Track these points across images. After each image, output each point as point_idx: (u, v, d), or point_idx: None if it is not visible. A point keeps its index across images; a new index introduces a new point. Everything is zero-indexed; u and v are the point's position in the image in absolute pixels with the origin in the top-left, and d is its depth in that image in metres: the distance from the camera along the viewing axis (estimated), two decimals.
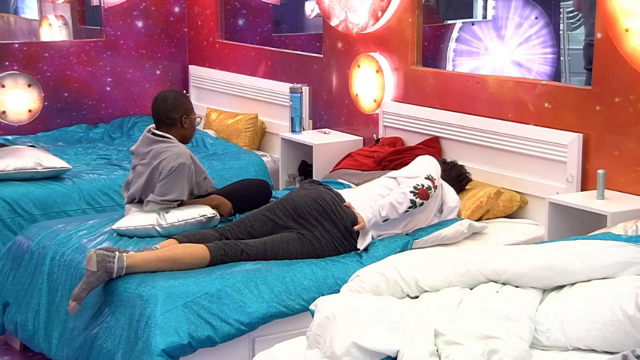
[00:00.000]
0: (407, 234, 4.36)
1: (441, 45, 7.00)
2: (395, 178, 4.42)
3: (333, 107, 6.09)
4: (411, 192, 4.22)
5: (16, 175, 5.58)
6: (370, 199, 4.34)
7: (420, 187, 4.24)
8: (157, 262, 3.97)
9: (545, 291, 3.22)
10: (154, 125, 4.70)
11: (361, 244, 4.24)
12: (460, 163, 4.87)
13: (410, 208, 4.23)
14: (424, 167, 4.37)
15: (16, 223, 5.37)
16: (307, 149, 5.80)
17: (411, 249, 4.23)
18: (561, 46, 7.06)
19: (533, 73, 6.71)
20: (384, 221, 4.26)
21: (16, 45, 6.96)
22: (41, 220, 5.17)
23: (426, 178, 4.28)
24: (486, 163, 4.96)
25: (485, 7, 7.09)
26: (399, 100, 5.56)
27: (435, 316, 3.07)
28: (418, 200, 4.22)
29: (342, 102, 5.99)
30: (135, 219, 4.49)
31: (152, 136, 4.64)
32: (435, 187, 4.31)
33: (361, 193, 4.46)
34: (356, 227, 4.23)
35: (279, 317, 3.88)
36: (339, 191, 4.47)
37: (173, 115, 4.65)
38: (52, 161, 5.70)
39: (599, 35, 4.31)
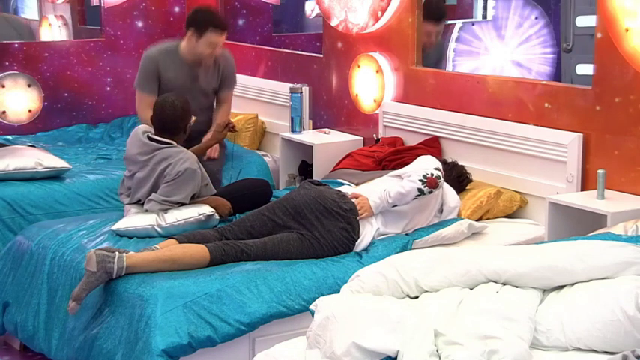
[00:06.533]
0: (407, 234, 4.37)
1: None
2: (399, 176, 4.42)
3: (333, 107, 6.09)
4: (420, 180, 4.23)
5: (16, 175, 5.58)
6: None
7: (430, 176, 4.25)
8: (157, 262, 3.98)
9: (545, 291, 3.22)
10: (150, 130, 4.70)
11: (358, 246, 4.25)
12: (460, 163, 4.88)
13: (418, 196, 4.24)
14: (430, 162, 4.38)
15: (17, 223, 5.36)
16: (307, 149, 5.80)
17: (411, 249, 4.23)
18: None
19: (533, 73, 6.70)
20: (392, 207, 4.29)
21: (16, 45, 6.97)
22: (41, 220, 5.17)
23: (435, 169, 4.29)
24: (486, 163, 4.96)
25: (485, 7, 7.08)
26: (399, 100, 5.56)
27: (435, 316, 3.07)
28: (427, 189, 4.23)
29: (342, 102, 5.99)
30: (134, 219, 4.50)
31: (153, 142, 4.63)
32: (443, 177, 4.32)
33: (362, 192, 4.46)
34: (362, 217, 4.24)
35: (279, 317, 3.88)
36: (339, 188, 4.49)
37: (180, 125, 4.69)
38: (52, 161, 5.70)
39: (599, 35, 4.31)
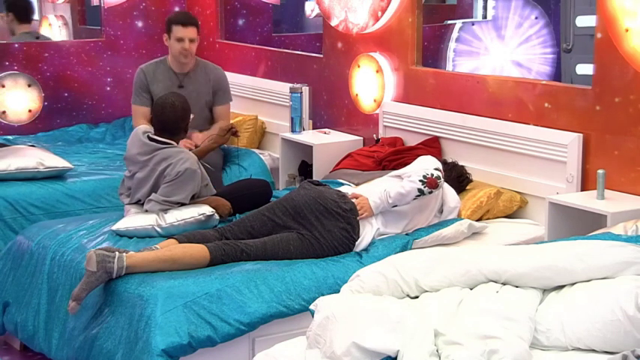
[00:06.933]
0: (407, 234, 4.37)
1: (441, 45, 7.00)
2: (399, 176, 4.42)
3: (333, 107, 6.09)
4: (420, 181, 4.23)
5: (18, 175, 5.58)
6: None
7: (430, 176, 4.24)
8: (157, 262, 3.98)
9: (545, 291, 3.22)
10: (150, 130, 4.70)
11: (358, 246, 4.25)
12: (460, 163, 4.88)
13: (418, 196, 4.24)
14: (430, 163, 4.38)
15: (18, 223, 5.37)
16: (307, 149, 5.80)
17: (411, 249, 4.23)
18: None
19: (533, 73, 6.71)
20: (392, 207, 4.29)
21: (16, 45, 6.97)
22: (43, 220, 5.18)
23: (435, 169, 4.29)
24: (486, 163, 4.96)
25: (485, 7, 7.09)
26: (399, 100, 5.56)
27: (435, 316, 3.07)
28: (427, 189, 4.23)
29: (342, 102, 5.99)
30: (134, 220, 4.50)
31: (153, 142, 4.64)
32: (443, 178, 4.32)
33: (362, 192, 4.46)
34: (362, 217, 4.25)
35: (279, 317, 3.88)
36: (339, 188, 4.49)
37: (180, 125, 4.70)
38: (53, 161, 5.71)
39: (599, 35, 4.31)
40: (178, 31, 5.69)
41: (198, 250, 4.05)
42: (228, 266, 4.03)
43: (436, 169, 4.31)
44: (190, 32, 5.71)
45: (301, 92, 6.09)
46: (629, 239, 3.38)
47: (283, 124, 6.28)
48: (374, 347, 2.87)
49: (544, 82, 4.95)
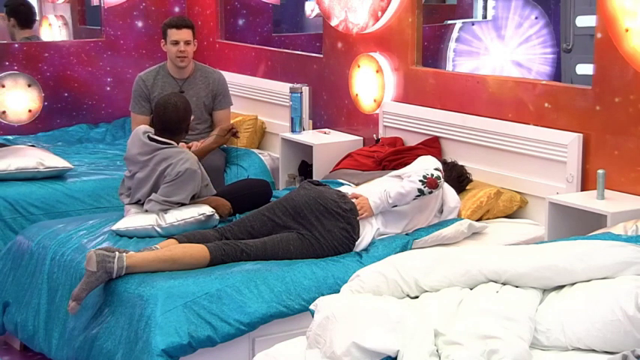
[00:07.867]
0: (407, 234, 4.37)
1: (441, 45, 7.00)
2: (399, 176, 4.42)
3: (333, 107, 6.09)
4: (420, 181, 4.23)
5: (17, 175, 5.58)
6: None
7: (430, 176, 4.25)
8: (157, 262, 3.98)
9: (545, 291, 3.22)
10: (150, 130, 4.70)
11: (358, 246, 4.25)
12: (460, 163, 4.88)
13: (418, 196, 4.24)
14: (430, 163, 4.38)
15: (18, 223, 5.37)
16: (307, 149, 5.80)
17: (411, 249, 4.23)
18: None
19: (533, 73, 6.71)
20: (392, 207, 4.29)
21: (16, 45, 6.97)
22: (43, 220, 5.17)
23: (435, 169, 4.29)
24: (486, 163, 4.96)
25: (485, 7, 7.09)
26: (399, 100, 5.56)
27: (435, 316, 3.08)
28: (426, 189, 4.23)
29: (342, 102, 5.99)
30: (134, 220, 4.50)
31: (153, 142, 4.63)
32: (443, 178, 4.32)
33: (362, 192, 4.46)
34: (362, 217, 4.25)
35: (279, 317, 3.88)
36: (339, 188, 4.49)
37: (182, 125, 4.70)
38: (53, 161, 5.71)
39: (599, 35, 4.31)
40: (173, 34, 5.71)
41: (198, 250, 4.05)
42: (228, 266, 4.03)
43: (436, 169, 4.31)
44: (184, 34, 5.71)
45: (301, 92, 6.09)
46: (629, 239, 3.38)
47: (283, 124, 6.28)
48: (374, 347, 2.87)
49: (544, 82, 4.95)
